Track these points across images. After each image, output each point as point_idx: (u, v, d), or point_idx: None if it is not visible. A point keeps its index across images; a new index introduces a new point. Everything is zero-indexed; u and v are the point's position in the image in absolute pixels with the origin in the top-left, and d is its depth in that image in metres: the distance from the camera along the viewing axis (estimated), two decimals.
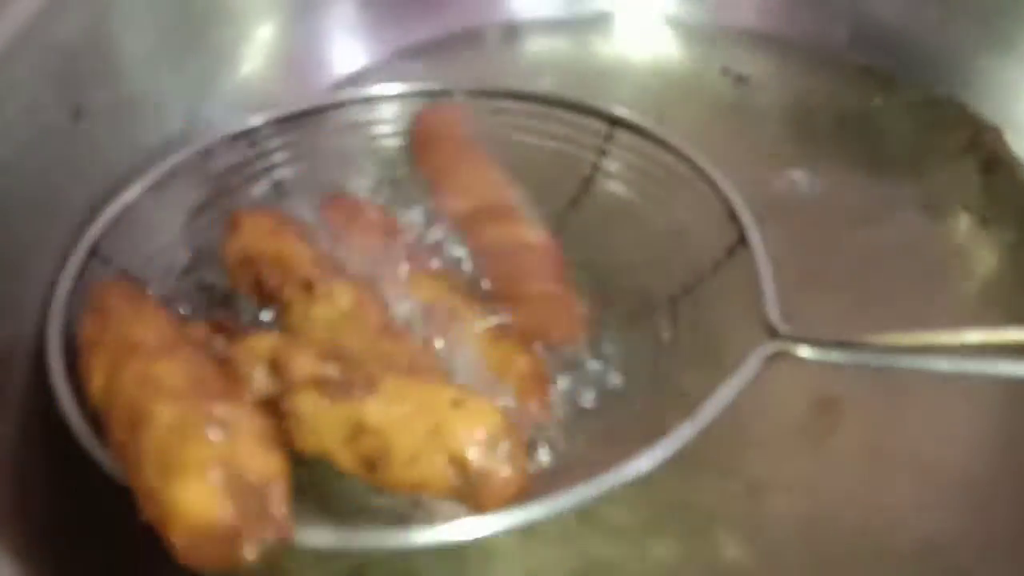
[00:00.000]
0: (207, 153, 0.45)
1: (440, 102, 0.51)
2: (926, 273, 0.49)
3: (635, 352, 0.42)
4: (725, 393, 0.35)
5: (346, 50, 0.55)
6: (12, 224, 0.38)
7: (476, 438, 0.32)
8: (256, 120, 0.47)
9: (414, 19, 0.56)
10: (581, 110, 0.50)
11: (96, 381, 0.33)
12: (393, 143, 0.50)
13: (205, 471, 0.28)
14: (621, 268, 0.46)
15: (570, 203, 0.49)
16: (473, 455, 0.32)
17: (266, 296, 0.41)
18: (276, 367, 0.35)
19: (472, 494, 0.33)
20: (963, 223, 0.50)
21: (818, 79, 0.53)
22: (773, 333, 0.37)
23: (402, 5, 0.56)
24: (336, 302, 0.40)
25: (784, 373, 0.43)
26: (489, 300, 0.42)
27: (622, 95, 0.49)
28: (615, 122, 0.49)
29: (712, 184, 0.44)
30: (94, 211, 0.42)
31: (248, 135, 0.47)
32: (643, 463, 0.33)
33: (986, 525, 0.40)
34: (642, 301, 0.45)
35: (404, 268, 0.43)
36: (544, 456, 0.38)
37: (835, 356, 0.36)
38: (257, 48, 0.51)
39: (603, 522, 0.40)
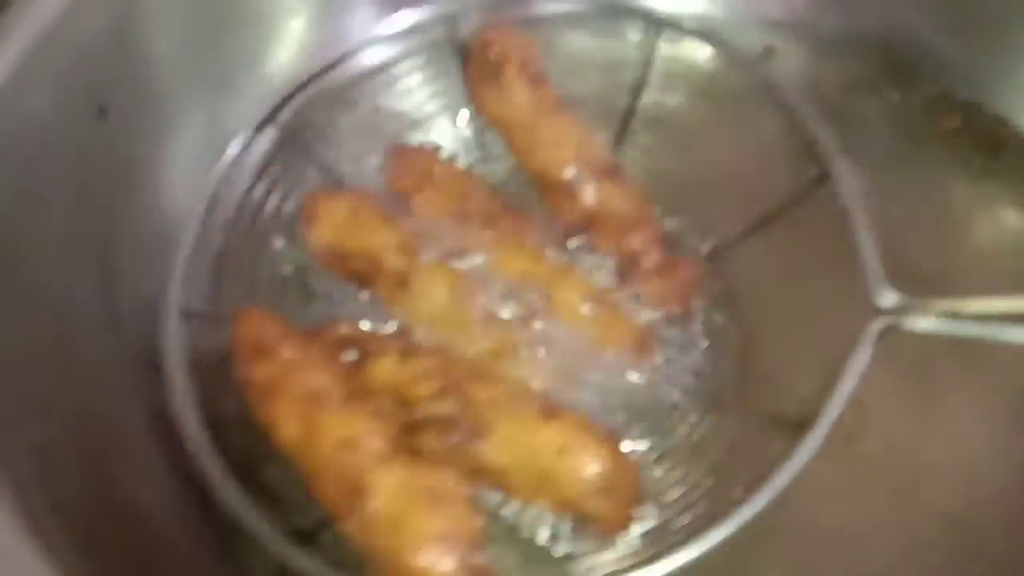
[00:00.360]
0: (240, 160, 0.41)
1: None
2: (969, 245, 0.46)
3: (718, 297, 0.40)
4: (846, 386, 0.34)
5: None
6: (34, 217, 0.36)
7: (583, 484, 0.33)
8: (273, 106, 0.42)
9: None
10: (622, 14, 0.45)
11: (285, 432, 0.35)
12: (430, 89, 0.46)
13: (439, 547, 0.31)
14: (682, 197, 0.43)
15: (621, 123, 0.45)
16: (581, 500, 0.33)
17: (364, 283, 0.40)
18: (400, 403, 0.36)
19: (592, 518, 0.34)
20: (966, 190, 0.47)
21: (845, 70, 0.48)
22: (878, 310, 0.35)
23: None
24: (433, 296, 0.38)
25: None
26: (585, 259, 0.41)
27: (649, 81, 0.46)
28: (661, 24, 0.44)
29: (791, 114, 0.41)
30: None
31: (272, 120, 0.42)
32: (779, 481, 0.33)
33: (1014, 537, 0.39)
34: (708, 237, 0.42)
35: (488, 235, 0.40)
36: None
37: (949, 328, 0.35)
38: (283, 45, 0.46)
39: None
